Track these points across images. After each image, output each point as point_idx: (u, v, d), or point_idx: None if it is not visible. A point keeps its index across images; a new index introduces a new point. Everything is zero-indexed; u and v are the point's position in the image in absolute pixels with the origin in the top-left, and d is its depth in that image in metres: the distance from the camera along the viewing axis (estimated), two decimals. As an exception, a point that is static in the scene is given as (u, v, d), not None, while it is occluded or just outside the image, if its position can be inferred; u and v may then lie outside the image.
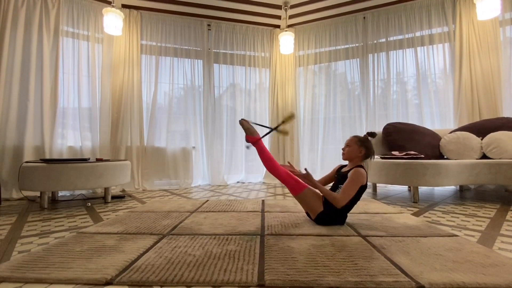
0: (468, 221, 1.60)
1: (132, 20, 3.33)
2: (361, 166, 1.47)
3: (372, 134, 1.54)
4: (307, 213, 1.58)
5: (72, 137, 2.99)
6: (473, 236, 1.32)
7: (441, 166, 2.10)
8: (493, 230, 1.41)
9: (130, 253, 1.07)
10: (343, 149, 1.56)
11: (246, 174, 3.86)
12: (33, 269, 0.93)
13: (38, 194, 2.58)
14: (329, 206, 1.44)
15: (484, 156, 2.47)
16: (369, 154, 1.50)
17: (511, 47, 2.88)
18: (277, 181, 3.75)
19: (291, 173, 1.52)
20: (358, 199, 1.47)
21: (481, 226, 1.50)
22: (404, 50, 3.38)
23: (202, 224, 1.51)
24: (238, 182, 3.79)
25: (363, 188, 1.44)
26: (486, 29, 2.95)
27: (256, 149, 1.56)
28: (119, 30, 2.90)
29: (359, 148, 1.49)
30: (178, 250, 1.11)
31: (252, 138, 1.57)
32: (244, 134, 1.63)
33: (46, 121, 2.76)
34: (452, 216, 1.73)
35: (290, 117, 1.64)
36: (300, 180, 1.50)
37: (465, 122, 2.97)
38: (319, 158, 3.71)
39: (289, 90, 3.92)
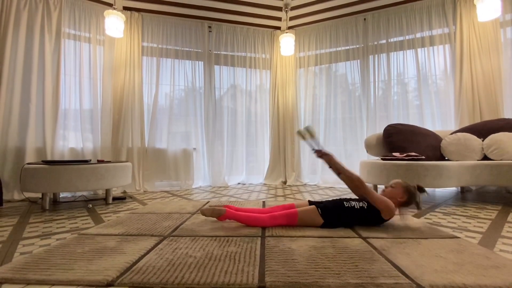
0: (469, 223, 1.60)
1: (133, 22, 3.35)
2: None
3: (421, 189, 1.50)
4: None
5: (73, 138, 3.00)
6: (474, 237, 1.32)
7: (442, 167, 2.10)
8: (495, 232, 1.41)
9: (131, 255, 1.08)
10: (385, 187, 1.55)
11: (247, 176, 3.86)
12: (34, 271, 0.93)
13: (39, 195, 2.59)
14: (328, 217, 1.44)
15: (485, 157, 2.47)
16: (408, 203, 1.47)
17: (512, 48, 2.88)
18: (277, 183, 3.75)
19: (274, 213, 1.50)
20: (366, 224, 1.47)
21: (482, 227, 1.49)
22: (405, 51, 3.38)
23: (203, 226, 1.51)
24: (239, 183, 3.80)
25: (380, 220, 1.44)
26: (487, 30, 2.95)
27: (235, 220, 1.53)
28: (120, 32, 2.92)
29: (403, 193, 1.46)
30: (179, 251, 1.11)
31: (223, 217, 1.52)
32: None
33: (47, 122, 2.77)
34: (453, 218, 1.72)
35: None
36: (288, 211, 1.48)
37: (466, 123, 2.97)
38: (320, 159, 3.70)
39: (289, 91, 3.93)
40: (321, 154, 1.53)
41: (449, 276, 0.87)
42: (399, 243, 1.21)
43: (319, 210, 1.46)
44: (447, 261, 0.99)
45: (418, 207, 1.49)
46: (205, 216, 1.55)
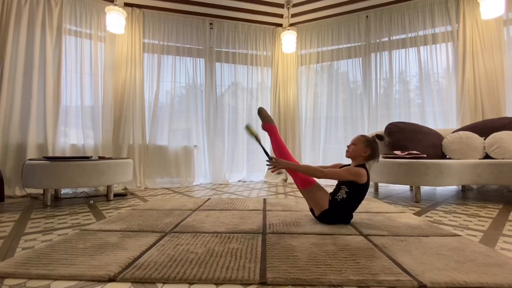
0: (470, 221, 1.59)
1: (135, 18, 3.33)
2: (363, 166, 1.46)
3: (380, 137, 1.51)
4: (311, 209, 1.58)
5: (74, 135, 3.00)
6: (475, 236, 1.32)
7: (443, 165, 2.09)
8: (496, 230, 1.41)
9: (133, 250, 1.08)
10: (348, 146, 1.54)
11: (248, 173, 3.87)
12: (37, 266, 0.94)
13: (41, 191, 2.60)
14: (335, 205, 1.45)
15: (487, 156, 2.46)
16: (373, 155, 1.48)
17: (515, 47, 2.87)
18: (278, 180, 3.75)
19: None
20: (362, 199, 1.47)
21: (483, 226, 1.49)
22: (407, 49, 3.36)
23: (204, 222, 1.52)
24: (239, 180, 3.80)
25: (364, 187, 1.44)
26: (490, 28, 2.93)
27: (270, 136, 1.63)
28: (121, 28, 2.91)
29: (365, 148, 1.46)
30: (180, 247, 1.12)
31: (269, 126, 1.63)
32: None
33: (49, 119, 2.77)
34: (454, 216, 1.72)
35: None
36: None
37: (467, 122, 2.96)
38: (321, 157, 3.71)
39: (291, 89, 3.92)
40: (274, 165, 1.44)
41: (451, 274, 0.87)
42: (400, 240, 1.21)
43: (330, 197, 1.48)
44: (449, 259, 0.99)
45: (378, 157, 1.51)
46: (260, 112, 1.67)
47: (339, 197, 1.45)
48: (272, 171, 1.45)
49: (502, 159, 2.30)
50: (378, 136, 1.51)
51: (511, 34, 2.91)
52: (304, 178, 1.49)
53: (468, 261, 0.98)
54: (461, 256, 1.02)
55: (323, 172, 1.40)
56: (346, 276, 0.86)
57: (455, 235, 1.29)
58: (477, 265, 0.94)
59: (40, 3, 2.82)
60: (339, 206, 1.45)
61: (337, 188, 1.49)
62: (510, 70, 2.87)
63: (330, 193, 1.56)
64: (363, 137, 1.50)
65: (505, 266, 0.93)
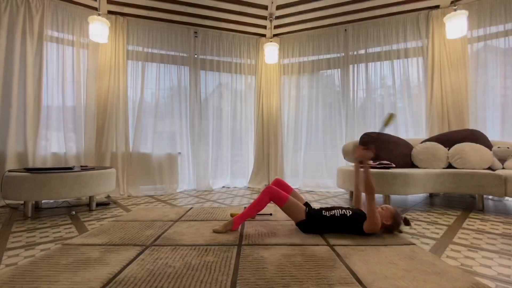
0: (428, 229, 1.76)
1: (119, 26, 3.35)
2: (386, 230, 1.59)
3: (407, 222, 1.60)
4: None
5: (56, 143, 2.99)
6: (428, 244, 1.47)
7: (409, 175, 2.27)
8: (447, 238, 1.57)
9: (114, 266, 1.15)
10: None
11: (232, 179, 3.95)
12: (21, 283, 1.00)
13: (21, 202, 2.58)
14: (310, 217, 1.60)
15: (450, 166, 2.68)
16: (391, 229, 1.57)
17: (477, 64, 3.11)
18: (261, 187, 3.86)
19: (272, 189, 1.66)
20: (349, 231, 1.58)
21: (437, 234, 1.66)
22: (382, 62, 3.57)
23: (184, 234, 1.60)
24: (223, 187, 3.88)
25: (360, 231, 1.54)
26: (456, 46, 3.17)
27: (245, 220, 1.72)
28: (105, 38, 2.92)
29: (389, 218, 1.55)
30: (160, 261, 1.20)
31: (235, 227, 1.66)
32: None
33: (29, 127, 2.75)
34: (415, 224, 1.89)
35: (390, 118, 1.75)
36: (281, 195, 1.64)
37: (436, 132, 3.19)
38: (302, 163, 3.86)
39: (273, 97, 4.04)
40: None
41: (395, 282, 1.01)
42: (361, 250, 1.34)
43: (307, 210, 1.64)
44: (398, 268, 1.13)
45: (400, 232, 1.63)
46: (220, 233, 1.63)
47: (339, 213, 1.59)
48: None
49: (463, 168, 2.51)
50: (406, 220, 1.60)
51: (475, 50, 3.16)
52: (279, 197, 1.63)
53: (414, 269, 1.12)
54: (409, 265, 1.16)
55: (373, 194, 1.49)
56: (306, 287, 0.97)
57: (410, 243, 1.44)
58: (420, 273, 1.08)
59: (20, 10, 2.79)
60: (319, 218, 1.60)
61: (343, 208, 1.63)
62: (473, 85, 3.12)
63: (305, 203, 1.73)
64: (394, 209, 1.58)
65: (445, 274, 1.08)
